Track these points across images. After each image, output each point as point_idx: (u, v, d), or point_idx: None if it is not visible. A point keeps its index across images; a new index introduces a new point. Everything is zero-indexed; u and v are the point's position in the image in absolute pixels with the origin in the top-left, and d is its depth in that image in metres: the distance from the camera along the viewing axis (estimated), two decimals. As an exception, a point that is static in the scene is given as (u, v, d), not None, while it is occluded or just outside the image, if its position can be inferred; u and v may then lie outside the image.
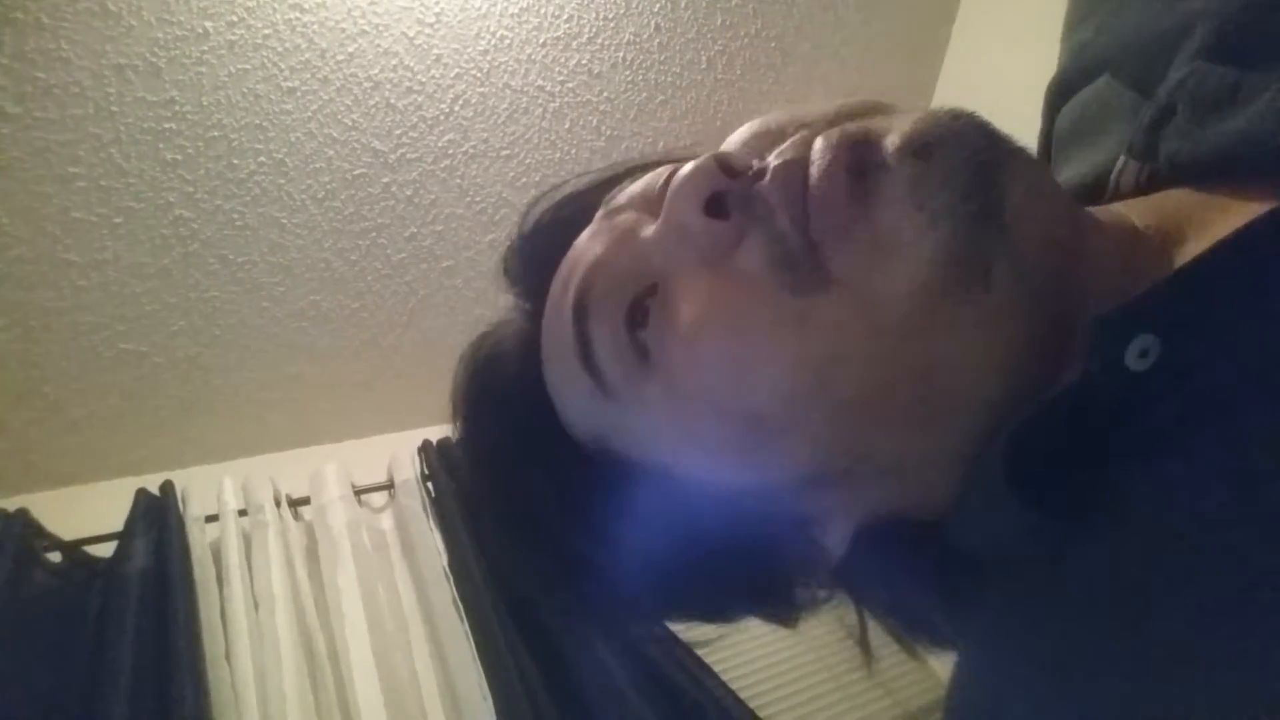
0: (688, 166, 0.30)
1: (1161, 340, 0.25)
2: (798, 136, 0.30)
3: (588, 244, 0.34)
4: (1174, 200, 0.31)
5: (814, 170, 0.28)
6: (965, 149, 0.27)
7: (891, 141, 0.27)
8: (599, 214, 0.35)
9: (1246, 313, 0.25)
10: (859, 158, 0.27)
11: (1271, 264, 0.25)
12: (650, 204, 0.33)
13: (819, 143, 0.28)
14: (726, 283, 0.29)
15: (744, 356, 0.29)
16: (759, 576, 0.36)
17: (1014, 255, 0.26)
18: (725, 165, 0.30)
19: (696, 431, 0.31)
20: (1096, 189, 0.35)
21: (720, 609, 0.39)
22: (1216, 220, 0.29)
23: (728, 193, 0.30)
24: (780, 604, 0.37)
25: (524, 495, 0.37)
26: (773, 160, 0.29)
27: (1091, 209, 0.32)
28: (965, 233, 0.26)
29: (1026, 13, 1.41)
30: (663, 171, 0.34)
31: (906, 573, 0.33)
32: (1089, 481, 0.26)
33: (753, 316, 0.29)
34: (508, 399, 0.37)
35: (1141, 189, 0.33)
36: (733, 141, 0.34)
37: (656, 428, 0.32)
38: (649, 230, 0.32)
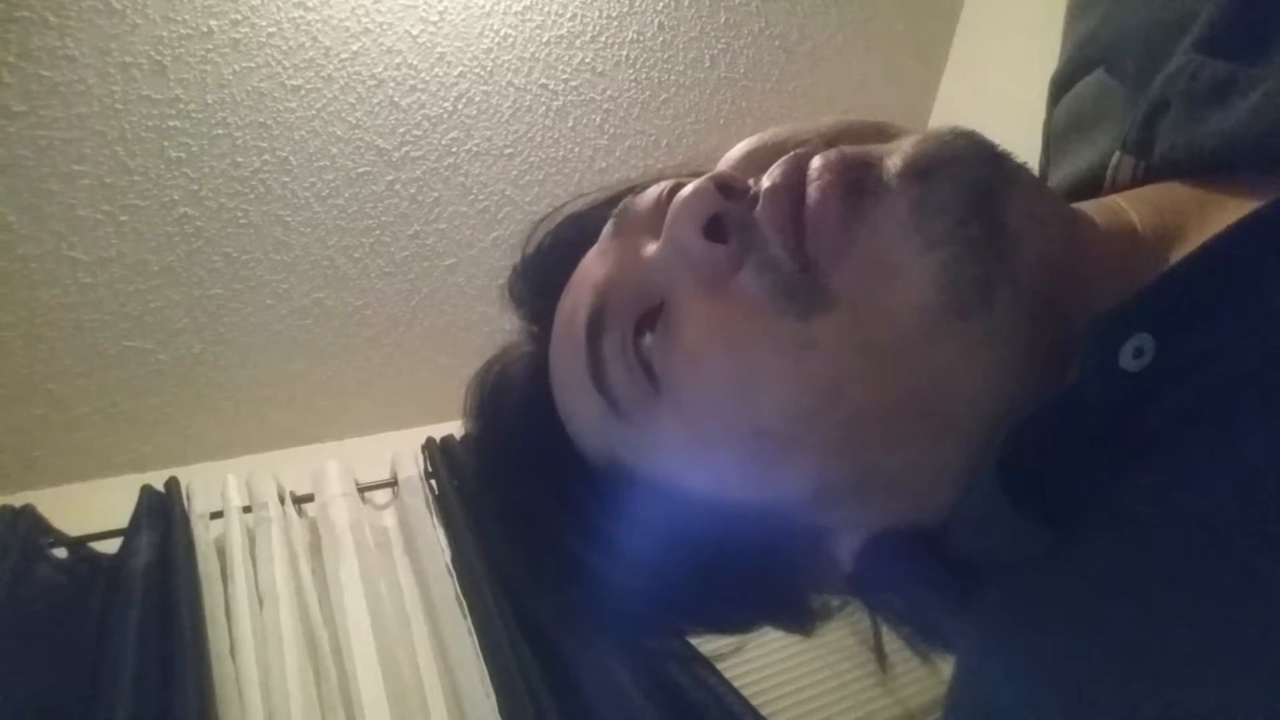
0: (687, 189, 0.30)
1: (1156, 340, 0.25)
2: (789, 157, 0.29)
3: (596, 263, 0.34)
4: (1171, 194, 0.31)
5: (810, 189, 0.28)
6: (965, 173, 0.27)
7: (893, 164, 0.28)
8: (607, 231, 0.35)
9: (1243, 310, 0.25)
10: (857, 179, 0.27)
11: (1267, 259, 0.24)
12: (654, 222, 0.33)
13: (816, 162, 0.28)
14: (727, 306, 0.29)
15: (747, 379, 0.29)
16: (772, 589, 0.36)
17: (1012, 277, 0.26)
18: (724, 186, 0.30)
19: (704, 450, 0.31)
20: (1093, 184, 0.35)
21: (736, 621, 0.40)
22: (1213, 216, 0.28)
23: (726, 215, 0.30)
24: (794, 615, 0.37)
25: (541, 518, 0.37)
26: (763, 183, 0.29)
27: (1089, 206, 0.32)
28: (965, 256, 0.26)
29: (1031, 11, 1.41)
30: (666, 186, 0.34)
31: (915, 580, 0.33)
32: (1086, 486, 0.26)
33: (754, 340, 0.29)
34: (519, 421, 0.37)
35: (1138, 182, 0.33)
36: (732, 158, 0.34)
37: (666, 445, 0.32)
38: (651, 249, 0.32)
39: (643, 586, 0.35)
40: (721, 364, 0.29)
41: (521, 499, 0.38)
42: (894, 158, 0.28)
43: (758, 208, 0.29)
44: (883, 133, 0.31)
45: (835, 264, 0.27)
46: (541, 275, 0.39)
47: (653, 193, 0.35)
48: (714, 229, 0.30)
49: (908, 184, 0.27)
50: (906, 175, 0.27)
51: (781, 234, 0.28)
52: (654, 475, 0.33)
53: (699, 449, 0.31)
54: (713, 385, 0.30)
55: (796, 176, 0.28)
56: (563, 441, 0.36)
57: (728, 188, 0.30)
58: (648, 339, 0.31)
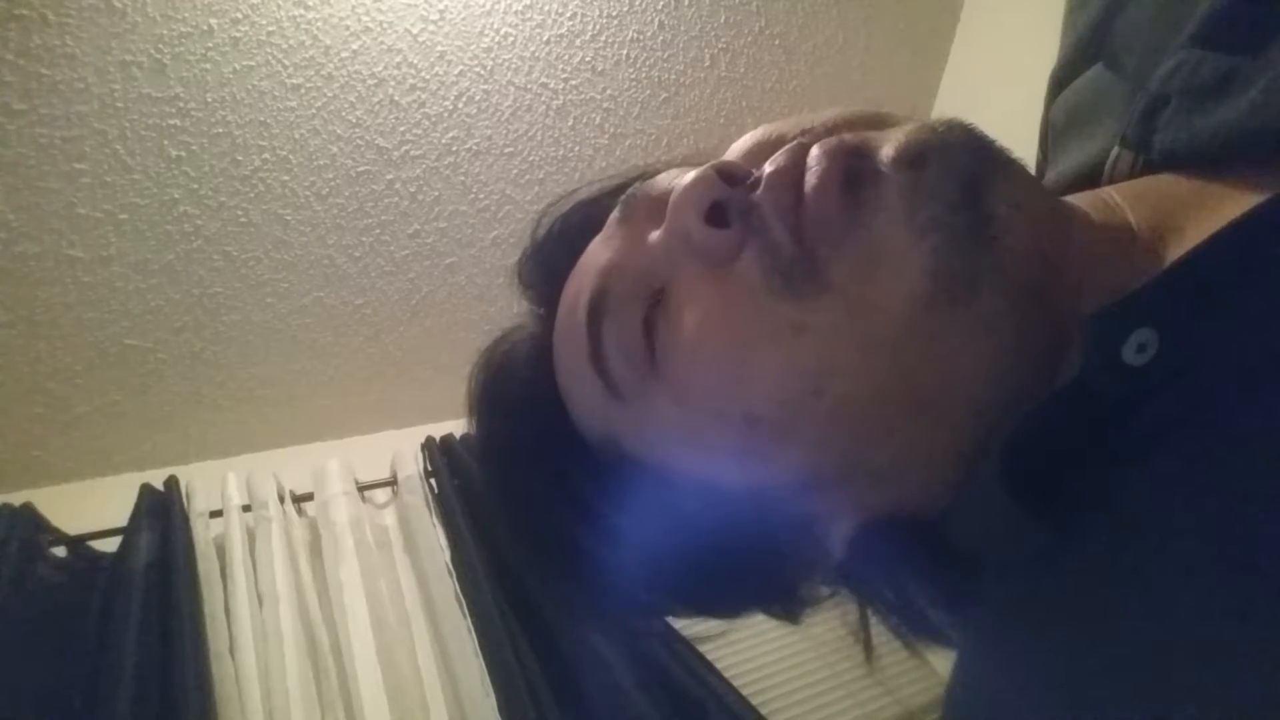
0: (689, 175, 0.31)
1: (1160, 334, 0.25)
2: (793, 144, 0.30)
3: (601, 248, 0.35)
4: (1170, 187, 0.31)
5: (809, 177, 0.28)
6: (956, 161, 0.27)
7: (886, 152, 0.28)
8: (613, 218, 0.36)
9: (1247, 305, 0.25)
10: (853, 167, 0.28)
11: (1271, 254, 0.24)
12: (659, 210, 0.34)
13: (815, 150, 0.29)
14: (726, 291, 0.30)
15: (742, 364, 0.29)
16: (763, 575, 0.36)
17: (1000, 268, 0.26)
18: (726, 174, 0.31)
19: (698, 434, 0.32)
20: (1091, 179, 0.35)
21: (725, 606, 0.40)
22: (1213, 211, 0.28)
23: (728, 202, 0.30)
24: (784, 601, 0.37)
25: (537, 495, 0.37)
26: (766, 168, 0.29)
27: (1083, 198, 0.32)
28: (953, 245, 0.26)
29: (1033, 11, 1.41)
30: (672, 175, 0.34)
31: (907, 571, 0.33)
32: (1087, 482, 0.26)
33: (750, 325, 0.29)
34: (521, 401, 0.38)
35: (1136, 176, 0.33)
36: (736, 149, 0.35)
37: (662, 429, 0.33)
38: (655, 236, 0.33)
39: (634, 568, 0.35)
40: (717, 348, 0.30)
41: (522, 476, 0.38)
42: (888, 146, 0.28)
43: (759, 192, 0.29)
44: (884, 122, 0.31)
45: (832, 251, 0.28)
46: (550, 260, 0.39)
47: (658, 181, 0.35)
48: (716, 215, 0.30)
49: (899, 170, 0.27)
50: (898, 162, 0.27)
51: (783, 218, 0.28)
52: (650, 458, 0.34)
53: (692, 434, 0.32)
54: (707, 369, 0.30)
55: (797, 163, 0.29)
56: (564, 421, 0.36)
57: (730, 175, 0.31)
58: (651, 327, 0.32)
